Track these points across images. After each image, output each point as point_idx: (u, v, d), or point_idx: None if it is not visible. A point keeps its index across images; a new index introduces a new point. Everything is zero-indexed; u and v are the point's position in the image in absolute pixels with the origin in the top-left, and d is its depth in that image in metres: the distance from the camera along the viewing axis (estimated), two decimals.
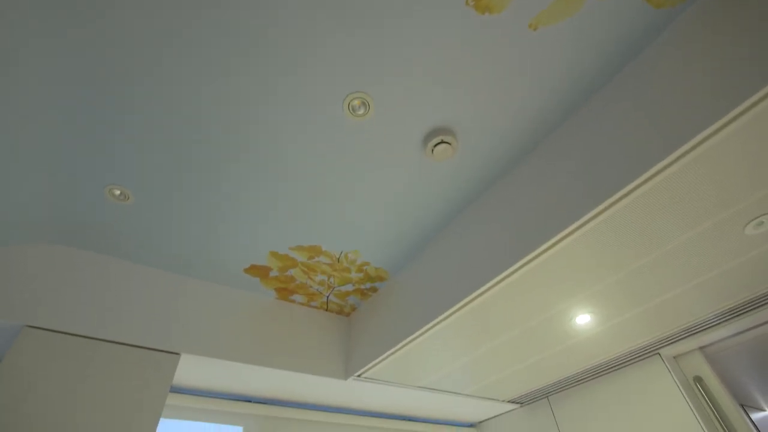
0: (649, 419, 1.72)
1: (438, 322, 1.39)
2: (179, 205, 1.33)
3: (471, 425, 2.59)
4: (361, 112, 1.06)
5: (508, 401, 2.21)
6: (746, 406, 1.66)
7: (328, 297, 1.83)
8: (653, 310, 1.45)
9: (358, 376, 1.72)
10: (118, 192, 1.29)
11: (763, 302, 1.48)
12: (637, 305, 1.41)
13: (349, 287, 1.78)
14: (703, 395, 1.66)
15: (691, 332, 1.64)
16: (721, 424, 1.57)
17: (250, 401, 1.86)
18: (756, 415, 1.74)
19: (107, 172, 1.21)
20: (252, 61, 0.96)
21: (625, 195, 0.96)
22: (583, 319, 1.44)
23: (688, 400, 1.63)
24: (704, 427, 1.55)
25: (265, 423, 1.86)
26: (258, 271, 1.64)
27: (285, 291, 1.77)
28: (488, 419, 2.52)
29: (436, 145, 1.14)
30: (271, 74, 0.99)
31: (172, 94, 1.01)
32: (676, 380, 1.69)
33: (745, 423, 1.54)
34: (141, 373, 1.38)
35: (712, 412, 1.61)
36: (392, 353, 1.56)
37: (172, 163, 1.20)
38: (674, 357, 1.82)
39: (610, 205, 0.98)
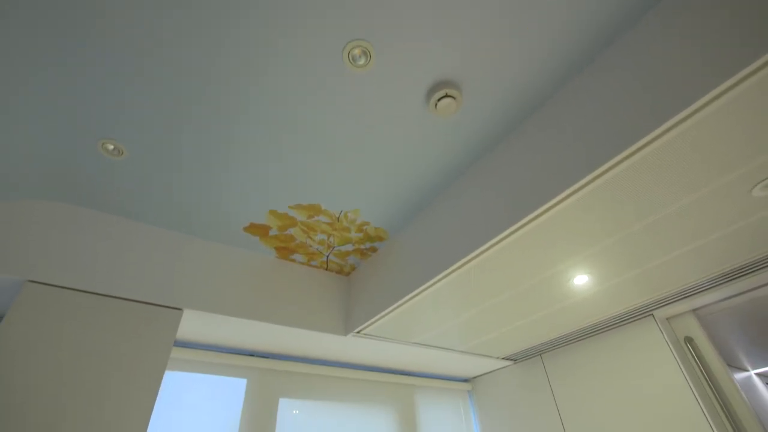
0: (639, 378, 1.78)
1: (435, 282, 1.40)
2: (174, 162, 1.30)
3: (465, 380, 2.70)
4: (362, 62, 1.00)
5: (502, 358, 2.28)
6: (731, 366, 1.72)
7: (328, 257, 1.84)
8: (650, 272, 1.46)
9: (358, 332, 1.76)
10: (111, 147, 1.26)
11: (757, 267, 1.49)
12: (634, 267, 1.41)
13: (349, 247, 1.78)
14: (692, 355, 1.70)
15: (685, 295, 1.66)
16: (708, 383, 1.62)
17: (253, 355, 1.92)
18: (739, 375, 1.80)
19: (100, 126, 1.17)
20: (251, 10, 0.89)
21: (626, 158, 0.93)
22: (580, 280, 1.45)
23: (678, 360, 1.68)
24: (692, 386, 1.60)
25: (269, 376, 1.93)
26: (257, 229, 1.63)
27: (285, 250, 1.77)
28: (482, 375, 2.62)
29: (440, 99, 1.09)
30: (270, 22, 0.92)
31: (168, 45, 0.96)
32: (668, 340, 1.73)
33: (732, 382, 1.59)
34: (145, 328, 1.41)
35: (701, 371, 1.66)
36: (390, 311, 1.58)
37: (167, 119, 1.15)
38: (667, 318, 1.86)
39: (610, 168, 0.96)
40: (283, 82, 1.06)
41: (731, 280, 1.57)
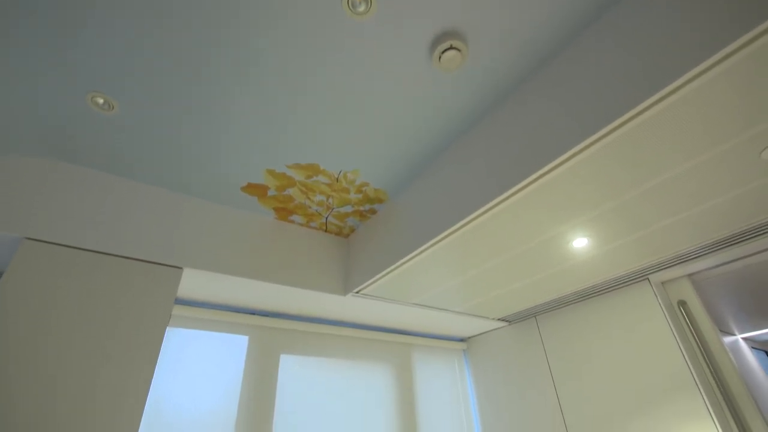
0: (631, 340, 1.83)
1: (434, 244, 1.40)
2: (167, 119, 1.26)
3: (461, 340, 2.78)
4: (362, 9, 0.94)
5: (498, 319, 2.34)
6: (720, 330, 1.76)
7: (327, 218, 1.83)
8: (648, 237, 1.45)
9: (357, 292, 1.79)
10: (101, 101, 1.21)
11: (753, 234, 1.49)
12: (632, 232, 1.41)
13: (348, 209, 1.77)
14: (685, 318, 1.74)
15: (681, 260, 1.67)
16: (698, 346, 1.67)
17: (254, 314, 1.96)
18: (727, 339, 1.85)
19: (88, 77, 1.11)
20: None
21: (630, 119, 0.90)
22: (578, 244, 1.45)
23: (670, 323, 1.71)
24: (682, 348, 1.65)
25: (270, 333, 1.98)
26: (255, 189, 1.61)
27: (284, 211, 1.76)
28: (478, 335, 2.69)
29: (444, 51, 1.04)
30: None
31: None
32: (661, 304, 1.76)
33: (722, 345, 1.63)
34: (145, 286, 1.42)
35: (692, 334, 1.70)
36: (389, 272, 1.60)
37: (158, 73, 1.10)
38: (662, 282, 1.88)
39: (612, 131, 0.93)
40: (279, 33, 1.01)
41: (727, 246, 1.57)
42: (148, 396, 1.57)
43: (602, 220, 1.31)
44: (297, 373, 2.03)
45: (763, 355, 3.23)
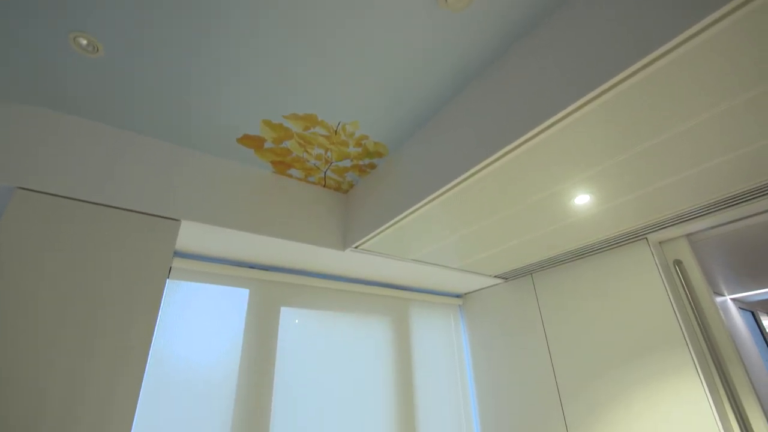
0: (624, 298, 1.86)
1: (433, 199, 1.38)
2: (158, 64, 1.19)
3: (458, 296, 2.84)
4: None
5: (494, 276, 2.37)
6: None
7: (325, 173, 1.80)
8: (648, 196, 1.43)
9: (355, 247, 1.79)
10: (84, 41, 1.14)
11: (752, 196, 1.47)
12: (633, 190, 1.38)
13: (347, 163, 1.74)
14: (679, 277, 1.76)
15: (680, 219, 1.66)
16: (690, 305, 1.70)
17: (255, 268, 1.98)
18: (716, 299, 1.89)
19: (69, 15, 1.04)
20: None
21: (634, 73, 0.85)
22: (578, 201, 1.43)
23: (665, 281, 1.73)
24: (674, 306, 1.68)
25: (270, 287, 2.01)
26: (251, 141, 1.56)
27: (281, 165, 1.72)
28: (474, 291, 2.75)
29: None
30: None
31: None
32: (657, 263, 1.78)
33: (713, 304, 1.66)
34: (142, 238, 1.42)
35: (685, 293, 1.73)
36: (388, 227, 1.59)
37: (148, 13, 1.02)
38: (660, 242, 1.89)
39: (618, 83, 0.89)
40: None
41: (725, 207, 1.56)
42: (152, 348, 1.62)
43: (603, 177, 1.28)
44: (297, 326, 2.09)
45: (750, 315, 3.34)
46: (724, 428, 1.46)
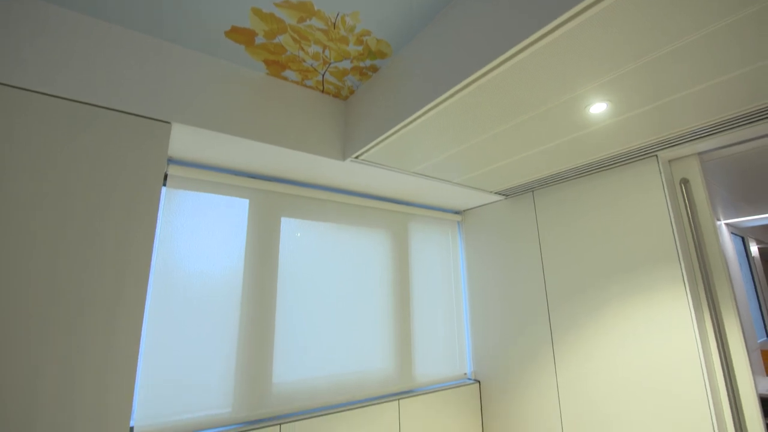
0: (623, 214, 1.86)
1: (438, 104, 1.29)
2: None
3: (457, 212, 2.86)
4: None
5: (495, 192, 2.35)
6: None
7: (323, 75, 1.67)
8: (667, 107, 1.34)
9: (356, 157, 1.74)
10: None
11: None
12: (652, 100, 1.28)
13: (347, 64, 1.60)
14: (684, 196, 1.74)
15: (696, 135, 1.58)
16: (690, 222, 1.70)
17: (254, 177, 1.95)
18: None
19: None
20: None
21: None
22: (592, 110, 1.34)
23: (668, 200, 1.71)
24: (673, 224, 1.67)
25: (270, 198, 2.00)
26: (241, 35, 1.42)
27: (276, 65, 1.59)
28: (474, 208, 2.76)
29: None
30: None
31: None
32: (664, 181, 1.74)
33: (713, 226, 1.66)
34: (133, 141, 1.36)
35: (687, 211, 1.72)
36: (389, 136, 1.52)
37: None
38: (669, 161, 1.83)
39: None
40: None
41: (740, 125, 1.47)
42: (157, 260, 1.65)
43: (621, 83, 1.18)
44: (296, 235, 2.12)
45: (740, 241, 3.41)
46: (701, 339, 1.55)
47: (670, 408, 1.59)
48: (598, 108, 1.32)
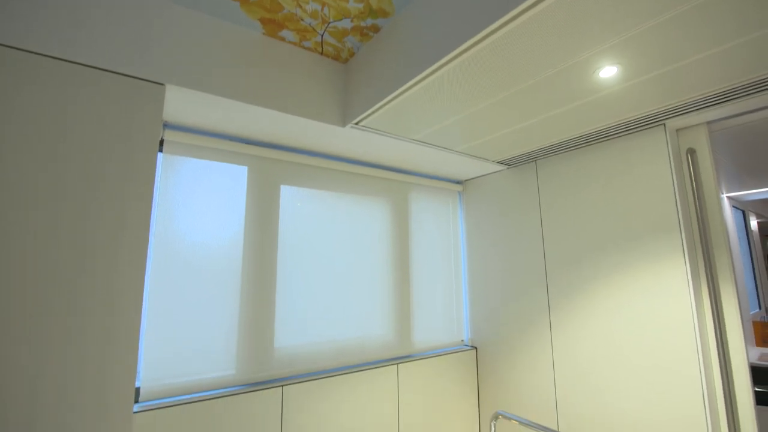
0: (626, 187, 1.83)
1: (441, 66, 1.24)
2: None
3: (458, 182, 2.84)
4: None
5: (497, 162, 2.32)
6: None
7: (322, 36, 1.60)
8: (679, 72, 1.29)
9: (356, 123, 1.70)
10: None
11: None
12: (665, 64, 1.23)
13: (347, 24, 1.53)
14: (689, 166, 1.71)
15: (706, 103, 1.53)
16: (694, 193, 1.68)
17: (253, 144, 1.91)
18: None
19: None
20: None
21: None
22: (601, 74, 1.29)
23: (673, 170, 1.68)
24: (677, 194, 1.65)
25: (269, 165, 1.97)
26: None
27: (272, 24, 1.52)
28: (475, 178, 2.73)
29: None
30: None
31: None
32: (670, 151, 1.70)
33: (717, 194, 1.64)
34: (125, 103, 1.32)
35: (691, 181, 1.69)
36: (391, 100, 1.47)
37: None
38: (677, 130, 1.79)
39: None
40: None
41: (753, 93, 1.42)
42: (156, 228, 1.64)
43: (632, 44, 1.12)
44: (297, 204, 2.11)
45: (740, 215, 3.40)
46: (697, 309, 1.57)
47: (662, 376, 1.63)
48: (608, 72, 1.27)
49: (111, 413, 1.18)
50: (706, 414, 1.50)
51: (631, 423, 1.71)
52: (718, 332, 1.56)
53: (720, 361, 1.54)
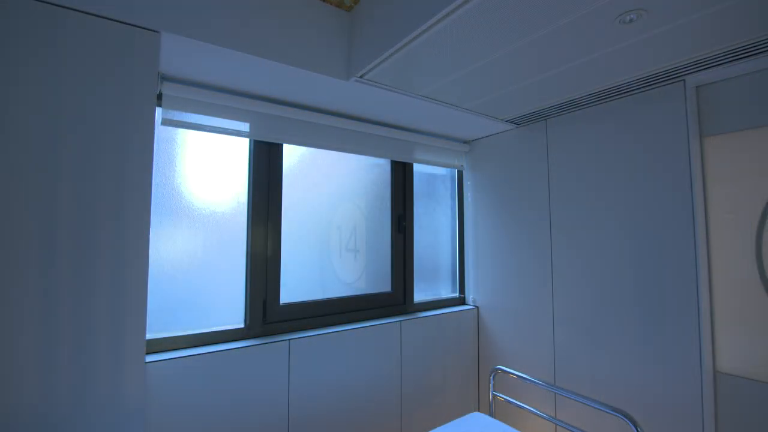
0: (640, 148, 1.77)
1: (450, 13, 1.16)
2: None
3: (464, 142, 2.77)
4: None
5: (506, 120, 2.24)
6: None
7: None
8: (706, 20, 1.20)
9: (360, 77, 1.63)
10: None
11: None
12: (695, 10, 1.14)
13: None
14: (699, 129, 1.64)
15: (733, 56, 1.44)
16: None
17: (254, 98, 1.85)
18: None
19: None
20: None
21: None
22: (621, 20, 1.20)
23: (689, 129, 1.62)
24: (691, 161, 1.60)
25: (271, 121, 1.91)
26: None
27: None
28: (483, 137, 2.66)
29: None
30: None
31: None
32: (688, 109, 1.63)
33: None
34: (118, 51, 1.26)
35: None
36: (397, 50, 1.40)
37: None
38: (696, 86, 1.70)
39: None
40: None
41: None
42: (159, 183, 1.62)
43: None
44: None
45: None
46: (699, 266, 1.56)
47: (657, 328, 1.66)
48: (621, 20, 1.18)
49: (125, 365, 1.22)
50: (701, 378, 1.54)
51: (624, 378, 1.77)
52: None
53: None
